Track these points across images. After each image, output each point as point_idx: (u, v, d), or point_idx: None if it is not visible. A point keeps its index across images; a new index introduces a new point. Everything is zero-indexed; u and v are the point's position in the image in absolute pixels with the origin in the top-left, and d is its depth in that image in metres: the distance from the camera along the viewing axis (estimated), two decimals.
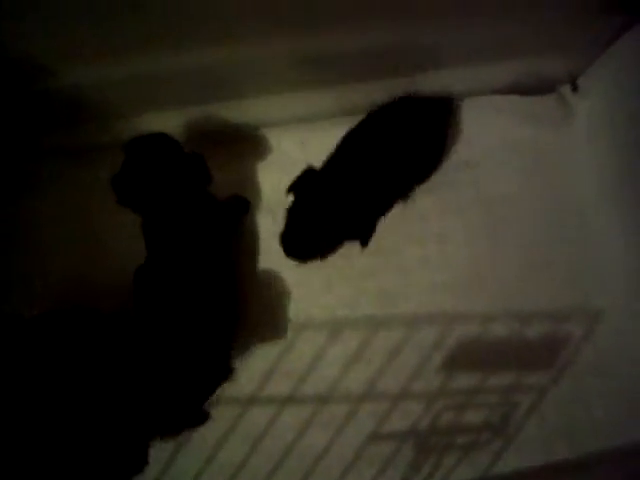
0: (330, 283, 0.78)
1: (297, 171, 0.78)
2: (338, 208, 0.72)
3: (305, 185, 0.74)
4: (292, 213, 0.73)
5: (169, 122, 0.76)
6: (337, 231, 0.74)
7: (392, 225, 0.78)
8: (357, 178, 0.73)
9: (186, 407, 0.70)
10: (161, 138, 0.70)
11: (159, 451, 0.71)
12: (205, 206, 0.71)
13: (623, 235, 0.78)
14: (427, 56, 0.76)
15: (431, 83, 0.79)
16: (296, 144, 0.82)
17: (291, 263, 0.75)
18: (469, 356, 0.75)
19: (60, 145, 0.80)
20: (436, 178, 0.80)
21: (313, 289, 0.77)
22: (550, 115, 0.84)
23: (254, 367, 0.74)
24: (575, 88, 0.84)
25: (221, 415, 0.73)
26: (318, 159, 0.78)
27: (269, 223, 0.79)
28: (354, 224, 0.74)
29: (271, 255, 0.78)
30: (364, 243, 0.77)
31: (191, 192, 0.70)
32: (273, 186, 0.80)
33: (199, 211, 0.70)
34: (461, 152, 0.82)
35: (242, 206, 0.79)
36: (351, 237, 0.76)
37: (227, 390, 0.73)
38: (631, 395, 0.74)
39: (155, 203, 0.69)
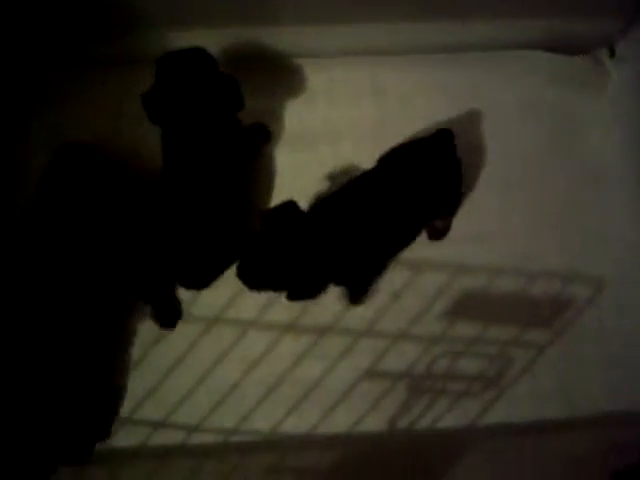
0: None
1: (322, 107, 0.79)
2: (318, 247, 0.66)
3: (279, 216, 0.68)
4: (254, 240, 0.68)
5: (208, 41, 0.73)
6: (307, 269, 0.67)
7: None
8: (352, 222, 0.67)
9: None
10: (197, 54, 0.68)
11: (158, 360, 0.73)
12: (229, 128, 0.71)
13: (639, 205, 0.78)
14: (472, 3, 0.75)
15: (472, 32, 0.79)
16: (325, 80, 0.81)
17: (303, 198, 0.74)
18: (471, 307, 0.75)
19: (96, 56, 0.80)
20: None
21: None
22: (581, 77, 0.83)
23: (257, 294, 0.73)
24: (613, 53, 0.83)
25: (220, 335, 0.73)
26: (345, 99, 0.79)
27: (286, 157, 0.79)
28: (338, 269, 0.69)
29: (284, 188, 0.77)
30: (354, 296, 0.73)
31: (220, 115, 0.69)
32: (298, 120, 0.79)
33: (222, 132, 0.70)
34: (482, 106, 0.81)
35: (264, 135, 0.78)
36: (339, 282, 0.72)
37: (228, 312, 0.75)
38: (628, 364, 0.74)
39: (182, 120, 0.68)
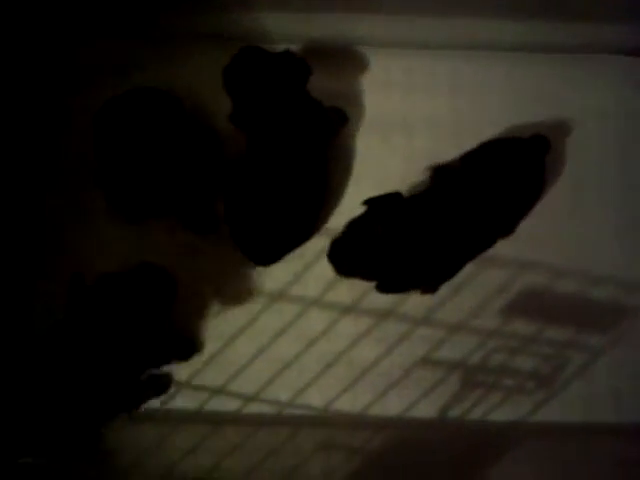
0: None
1: (399, 97, 0.79)
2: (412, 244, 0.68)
3: (384, 205, 0.70)
4: (356, 225, 0.70)
5: (288, 24, 0.77)
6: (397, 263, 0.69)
7: None
8: (441, 221, 0.68)
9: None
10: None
11: (220, 330, 0.75)
12: (307, 107, 0.72)
13: None
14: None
15: (557, 34, 0.78)
16: (404, 71, 0.81)
17: (376, 185, 0.75)
18: (531, 305, 0.75)
19: (174, 31, 0.81)
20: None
21: None
22: None
23: (322, 273, 0.75)
24: None
25: (281, 311, 0.75)
26: (422, 89, 0.79)
27: (360, 144, 0.79)
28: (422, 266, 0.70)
29: (357, 174, 0.78)
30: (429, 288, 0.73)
31: (296, 94, 0.70)
32: (374, 109, 0.80)
33: (302, 111, 0.71)
34: (560, 108, 0.81)
35: (341, 118, 0.79)
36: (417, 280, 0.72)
37: (291, 289, 0.76)
38: None
39: (261, 96, 0.70)
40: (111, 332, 0.65)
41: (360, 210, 0.72)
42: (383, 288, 0.72)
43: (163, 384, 0.74)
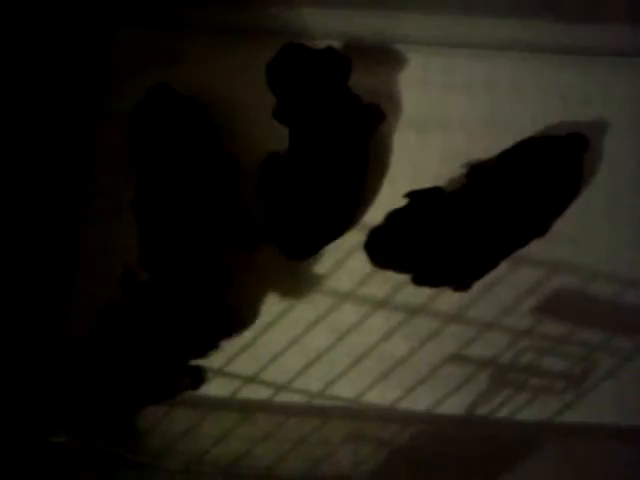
0: None
1: (436, 95, 0.80)
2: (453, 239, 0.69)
3: (425, 199, 0.71)
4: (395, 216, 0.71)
5: (326, 20, 0.78)
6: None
7: None
8: (477, 218, 0.69)
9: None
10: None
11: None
12: (348, 103, 0.73)
13: None
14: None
15: (602, 36, 0.79)
16: (440, 68, 0.81)
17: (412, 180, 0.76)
18: (563, 306, 0.76)
19: (213, 23, 0.82)
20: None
21: None
22: None
23: (356, 267, 0.76)
24: None
25: (314, 303, 0.76)
26: (459, 87, 0.80)
27: (398, 140, 0.80)
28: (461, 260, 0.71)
29: (394, 170, 0.79)
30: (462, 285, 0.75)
31: (337, 90, 0.71)
32: (412, 105, 0.80)
33: (342, 107, 0.72)
34: (595, 111, 0.81)
35: (378, 115, 0.79)
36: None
37: (325, 282, 0.77)
38: None
39: (304, 92, 0.71)
40: (162, 316, 0.68)
41: (394, 206, 0.73)
42: (419, 281, 0.73)
43: (198, 377, 0.76)
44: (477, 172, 0.75)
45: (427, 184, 0.75)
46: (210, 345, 0.72)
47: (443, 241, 0.69)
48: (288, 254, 0.75)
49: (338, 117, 0.72)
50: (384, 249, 0.70)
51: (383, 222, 0.71)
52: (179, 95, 0.74)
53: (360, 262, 0.75)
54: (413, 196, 0.71)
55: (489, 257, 0.72)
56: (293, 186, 0.72)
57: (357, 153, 0.73)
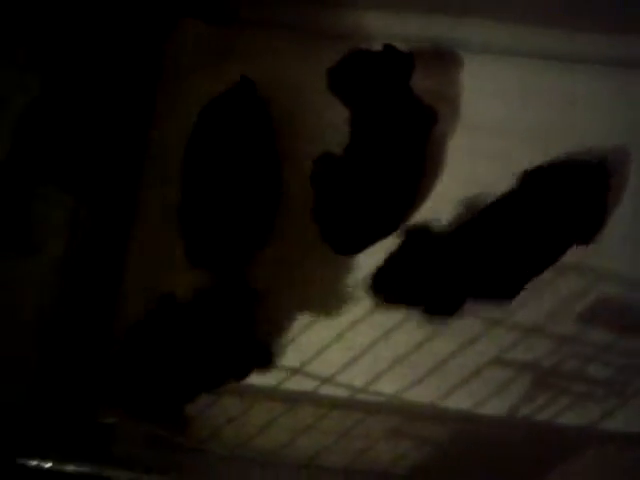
0: None
1: (491, 102, 0.81)
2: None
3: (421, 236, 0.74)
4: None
5: (397, 25, 0.80)
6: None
7: None
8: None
9: None
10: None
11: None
12: (409, 104, 0.75)
13: None
14: None
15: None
16: (516, 79, 0.82)
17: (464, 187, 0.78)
18: (608, 314, 0.76)
19: (274, 22, 0.84)
20: None
21: None
22: None
23: None
24: None
25: (360, 300, 0.77)
26: (515, 96, 0.81)
27: (453, 144, 0.81)
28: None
29: (447, 175, 0.80)
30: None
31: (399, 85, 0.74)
32: (465, 111, 0.82)
33: (404, 107, 0.74)
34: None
35: (431, 117, 0.80)
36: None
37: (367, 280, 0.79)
38: None
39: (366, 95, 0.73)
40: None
41: (442, 210, 0.76)
42: (430, 310, 0.75)
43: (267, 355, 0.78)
44: (529, 178, 0.76)
45: (476, 189, 0.77)
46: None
47: (447, 270, 0.72)
48: (337, 249, 0.77)
49: (398, 116, 0.73)
50: (391, 287, 0.73)
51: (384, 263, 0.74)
52: (255, 96, 0.77)
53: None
54: (410, 232, 0.74)
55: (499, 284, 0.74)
56: (347, 182, 0.74)
57: (414, 154, 0.75)
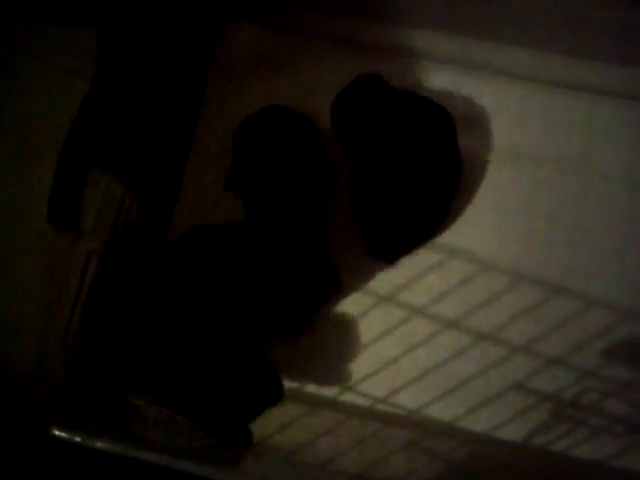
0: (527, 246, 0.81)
1: (533, 130, 0.83)
2: None
3: None
4: None
5: (443, 45, 0.83)
6: None
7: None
8: None
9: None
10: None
11: (327, 320, 0.80)
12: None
13: None
14: None
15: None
16: (541, 106, 0.84)
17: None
18: (633, 353, 0.77)
19: (328, 31, 0.87)
20: None
21: (507, 241, 0.81)
22: None
23: (431, 285, 0.80)
24: None
25: (388, 313, 0.80)
26: (559, 125, 0.83)
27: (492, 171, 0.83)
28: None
29: (480, 201, 0.82)
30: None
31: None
32: (506, 137, 0.84)
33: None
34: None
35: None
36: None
37: (401, 294, 0.80)
38: None
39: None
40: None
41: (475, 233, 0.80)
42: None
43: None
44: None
45: (511, 215, 0.80)
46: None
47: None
48: (377, 254, 0.80)
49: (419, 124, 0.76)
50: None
51: None
52: (292, 113, 0.80)
53: (436, 280, 0.80)
54: None
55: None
56: (385, 192, 0.76)
57: (449, 160, 0.78)
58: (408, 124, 0.77)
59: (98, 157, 0.75)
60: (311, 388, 0.79)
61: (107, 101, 0.74)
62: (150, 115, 0.81)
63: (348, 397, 0.79)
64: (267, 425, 0.78)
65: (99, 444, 0.68)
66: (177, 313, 0.71)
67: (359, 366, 0.79)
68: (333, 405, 0.79)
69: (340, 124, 0.80)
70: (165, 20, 0.81)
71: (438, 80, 0.86)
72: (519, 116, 0.84)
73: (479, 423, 0.77)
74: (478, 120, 0.84)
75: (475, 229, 0.81)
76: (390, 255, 0.80)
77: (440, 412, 0.77)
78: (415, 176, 0.76)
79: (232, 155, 0.81)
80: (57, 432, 0.68)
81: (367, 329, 0.80)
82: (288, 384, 0.78)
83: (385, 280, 0.81)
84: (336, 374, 0.79)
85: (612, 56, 0.81)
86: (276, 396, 0.74)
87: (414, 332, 0.79)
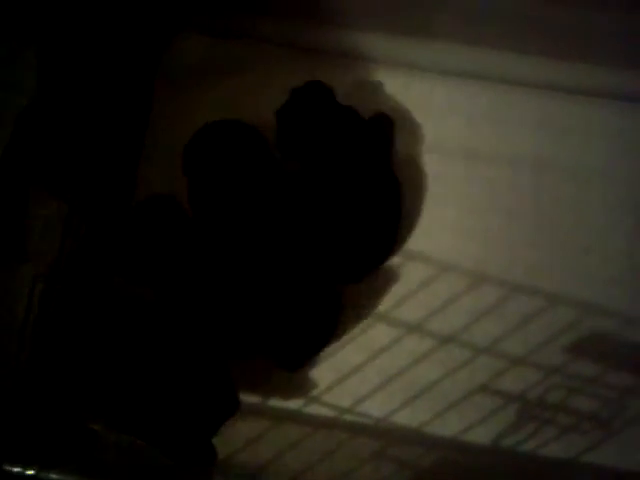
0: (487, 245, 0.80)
1: (484, 128, 0.82)
2: None
3: None
4: None
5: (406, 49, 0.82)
6: None
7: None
8: None
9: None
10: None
11: None
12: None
13: None
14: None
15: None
16: (488, 103, 0.84)
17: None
18: (598, 347, 0.77)
19: (277, 37, 0.85)
20: None
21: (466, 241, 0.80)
22: None
23: (392, 290, 0.78)
24: None
25: (348, 321, 0.78)
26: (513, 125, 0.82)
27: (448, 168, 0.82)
28: None
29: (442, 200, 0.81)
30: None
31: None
32: (457, 136, 0.83)
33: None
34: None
35: (387, 123, 0.80)
36: None
37: (360, 303, 0.79)
38: None
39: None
40: None
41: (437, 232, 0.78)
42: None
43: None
44: None
45: (469, 215, 0.80)
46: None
47: None
48: (342, 281, 0.78)
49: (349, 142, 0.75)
50: None
51: None
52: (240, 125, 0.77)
53: (397, 286, 0.78)
54: None
55: None
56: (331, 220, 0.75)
57: (383, 174, 0.76)
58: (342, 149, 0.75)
59: (41, 173, 0.73)
60: (274, 402, 0.77)
61: (46, 116, 0.72)
62: (94, 130, 0.78)
63: (313, 409, 0.77)
64: (231, 442, 0.76)
65: (54, 475, 0.66)
66: (128, 335, 0.69)
67: (322, 375, 0.77)
68: (298, 418, 0.77)
69: (284, 138, 0.78)
70: (109, 32, 0.79)
71: (390, 83, 0.84)
72: (472, 115, 0.83)
73: (447, 427, 0.76)
74: (430, 120, 0.83)
75: (433, 231, 0.80)
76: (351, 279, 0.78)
77: (407, 418, 0.76)
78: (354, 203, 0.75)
79: (184, 173, 0.78)
80: (8, 468, 0.65)
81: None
82: (251, 398, 0.77)
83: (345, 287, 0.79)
84: (299, 385, 0.78)
85: (564, 53, 0.81)
86: (232, 407, 0.72)
87: (377, 338, 0.78)
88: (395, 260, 0.79)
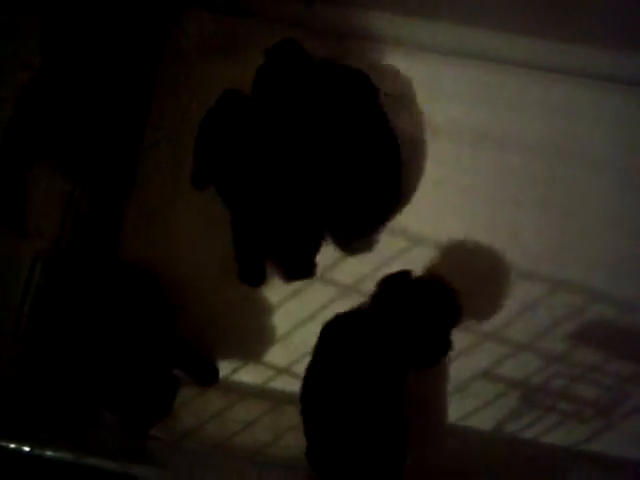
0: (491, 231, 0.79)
1: (495, 113, 0.81)
2: None
3: None
4: None
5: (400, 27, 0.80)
6: None
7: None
8: None
9: None
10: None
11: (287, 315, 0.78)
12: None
13: None
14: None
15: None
16: (496, 86, 0.82)
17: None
18: (600, 335, 0.76)
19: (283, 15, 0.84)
20: None
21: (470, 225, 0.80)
22: None
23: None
24: None
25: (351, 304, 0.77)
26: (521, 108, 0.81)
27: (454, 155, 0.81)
28: None
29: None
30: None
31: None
32: (466, 120, 0.82)
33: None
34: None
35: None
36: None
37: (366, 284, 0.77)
38: None
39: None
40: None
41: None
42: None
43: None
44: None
45: (476, 200, 0.79)
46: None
47: None
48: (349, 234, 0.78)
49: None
50: None
51: None
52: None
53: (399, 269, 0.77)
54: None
55: None
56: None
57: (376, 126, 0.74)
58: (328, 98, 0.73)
59: (43, 149, 0.71)
60: (274, 384, 0.76)
61: (50, 90, 0.71)
62: (98, 105, 0.77)
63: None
64: (230, 424, 0.75)
65: (49, 452, 0.65)
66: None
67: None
68: (296, 401, 0.73)
69: (260, 99, 0.75)
70: (115, 8, 0.78)
71: (395, 63, 0.83)
72: (478, 98, 0.82)
73: (449, 413, 0.75)
74: (436, 102, 0.82)
75: (437, 215, 0.79)
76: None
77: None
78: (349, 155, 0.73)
79: (195, 149, 0.77)
80: (4, 444, 0.64)
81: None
82: (251, 380, 0.76)
83: (347, 271, 0.78)
84: (299, 368, 0.75)
85: (567, 35, 0.79)
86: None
87: None
88: (399, 244, 0.78)
